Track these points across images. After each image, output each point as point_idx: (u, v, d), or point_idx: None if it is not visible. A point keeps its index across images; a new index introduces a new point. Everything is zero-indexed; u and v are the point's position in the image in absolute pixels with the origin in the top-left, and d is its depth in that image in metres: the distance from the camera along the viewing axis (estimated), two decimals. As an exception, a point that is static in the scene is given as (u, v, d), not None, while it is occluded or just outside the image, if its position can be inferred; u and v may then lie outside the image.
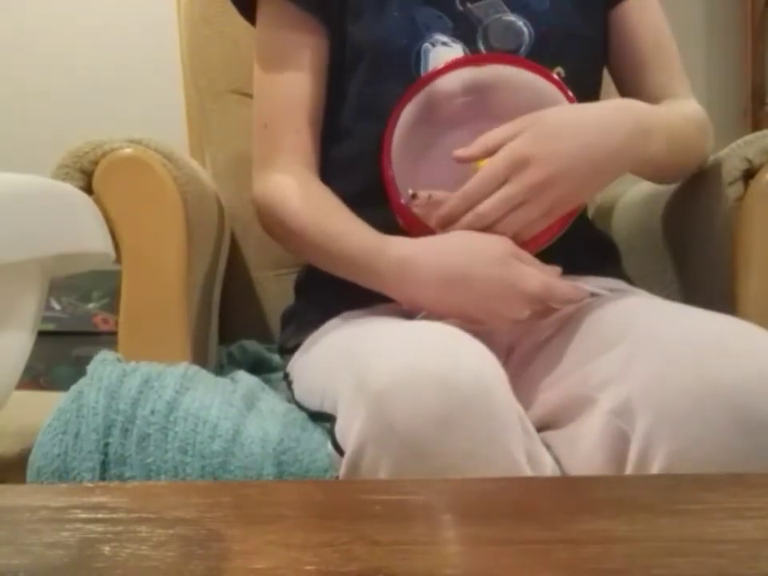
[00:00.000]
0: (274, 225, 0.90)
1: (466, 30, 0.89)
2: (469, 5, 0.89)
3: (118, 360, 0.80)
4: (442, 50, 0.88)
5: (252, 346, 1.13)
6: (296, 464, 0.71)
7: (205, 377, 0.82)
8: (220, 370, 1.05)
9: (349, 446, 0.61)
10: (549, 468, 0.65)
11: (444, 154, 0.84)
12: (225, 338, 1.17)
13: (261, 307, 1.25)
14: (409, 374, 0.59)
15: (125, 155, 0.93)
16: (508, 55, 0.87)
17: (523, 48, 0.89)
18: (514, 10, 0.89)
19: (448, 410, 0.58)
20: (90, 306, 1.78)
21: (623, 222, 1.22)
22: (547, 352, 0.78)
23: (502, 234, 0.75)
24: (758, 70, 1.97)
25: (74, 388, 0.75)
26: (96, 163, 0.92)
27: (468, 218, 0.76)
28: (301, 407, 0.81)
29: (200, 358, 0.99)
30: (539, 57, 0.86)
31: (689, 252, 1.04)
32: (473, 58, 0.87)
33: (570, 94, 0.82)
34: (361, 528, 0.42)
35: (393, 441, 0.58)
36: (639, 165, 0.81)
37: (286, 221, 0.87)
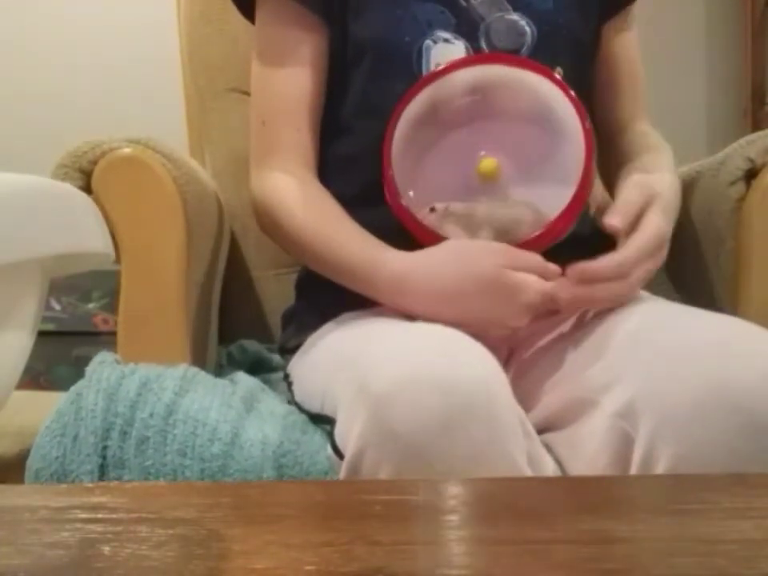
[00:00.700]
0: (270, 225, 0.90)
1: (468, 28, 0.88)
2: (472, 1, 0.89)
3: (117, 362, 0.79)
4: (445, 47, 0.87)
5: (252, 346, 1.13)
6: (296, 467, 0.71)
7: (204, 378, 0.81)
8: (219, 370, 1.04)
9: (349, 450, 0.61)
10: (550, 470, 0.65)
11: (445, 153, 0.84)
12: (224, 337, 1.17)
13: (260, 307, 1.25)
14: (409, 377, 0.59)
15: (124, 155, 0.93)
16: (511, 55, 0.87)
17: (525, 48, 0.89)
18: (516, 8, 0.89)
19: (449, 412, 0.58)
20: (90, 306, 1.78)
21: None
22: (548, 355, 0.78)
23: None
24: (758, 70, 1.97)
25: (72, 390, 0.75)
26: (95, 163, 0.92)
27: (614, 287, 0.75)
28: (301, 409, 0.81)
29: (199, 357, 0.99)
30: (540, 57, 0.86)
31: (690, 252, 1.04)
32: (475, 58, 0.86)
33: (573, 94, 0.82)
34: (361, 528, 0.41)
35: (393, 444, 0.58)
36: None
37: (284, 224, 0.87)
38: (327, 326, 0.87)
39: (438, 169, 0.85)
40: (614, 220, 0.75)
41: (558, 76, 0.83)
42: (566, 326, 0.79)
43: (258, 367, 1.06)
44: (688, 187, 1.01)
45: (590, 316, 0.79)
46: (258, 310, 1.25)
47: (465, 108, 0.85)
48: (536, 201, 0.81)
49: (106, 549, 0.39)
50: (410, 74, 0.86)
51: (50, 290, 0.37)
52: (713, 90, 2.03)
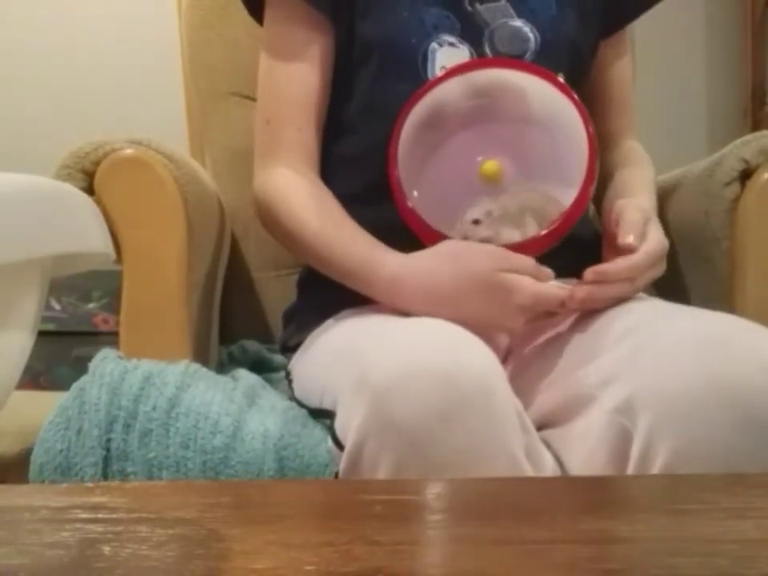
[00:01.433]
0: (272, 223, 0.90)
1: (472, 32, 0.89)
2: (478, 6, 0.90)
3: (120, 357, 0.80)
4: (450, 51, 0.88)
5: (252, 346, 1.13)
6: (297, 459, 0.72)
7: (205, 374, 0.82)
8: (221, 369, 1.05)
9: (349, 441, 0.62)
10: (548, 465, 0.65)
11: (450, 156, 0.84)
12: (225, 338, 1.17)
13: (261, 307, 1.25)
14: (409, 370, 0.59)
15: (126, 156, 0.93)
16: (515, 60, 0.87)
17: (528, 54, 0.90)
18: (520, 15, 0.90)
19: (448, 404, 0.58)
20: (90, 305, 1.78)
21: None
22: (546, 352, 0.78)
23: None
24: (758, 70, 1.97)
25: (75, 385, 0.76)
26: (97, 164, 0.92)
27: (622, 288, 0.77)
28: (300, 405, 0.81)
29: (200, 357, 0.99)
30: (542, 63, 0.86)
31: (686, 252, 1.04)
32: (481, 62, 0.87)
33: (577, 99, 0.82)
34: (361, 528, 0.41)
35: (393, 435, 0.58)
36: None
37: (286, 222, 0.87)
38: (327, 323, 0.87)
39: (442, 170, 0.85)
40: (629, 239, 0.78)
41: (561, 80, 0.83)
42: (564, 325, 0.79)
43: (258, 367, 1.06)
44: (684, 188, 1.02)
45: (588, 314, 0.79)
46: (259, 311, 1.25)
47: (470, 111, 0.85)
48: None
49: (106, 549, 0.39)
50: (415, 76, 0.87)
51: (50, 290, 0.37)
52: (713, 90, 2.03)
